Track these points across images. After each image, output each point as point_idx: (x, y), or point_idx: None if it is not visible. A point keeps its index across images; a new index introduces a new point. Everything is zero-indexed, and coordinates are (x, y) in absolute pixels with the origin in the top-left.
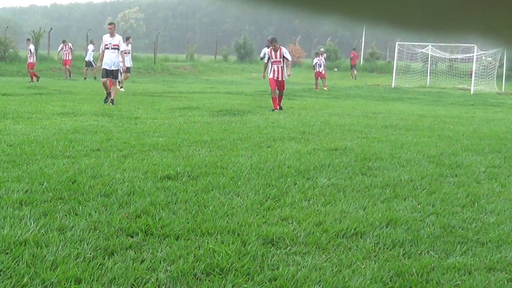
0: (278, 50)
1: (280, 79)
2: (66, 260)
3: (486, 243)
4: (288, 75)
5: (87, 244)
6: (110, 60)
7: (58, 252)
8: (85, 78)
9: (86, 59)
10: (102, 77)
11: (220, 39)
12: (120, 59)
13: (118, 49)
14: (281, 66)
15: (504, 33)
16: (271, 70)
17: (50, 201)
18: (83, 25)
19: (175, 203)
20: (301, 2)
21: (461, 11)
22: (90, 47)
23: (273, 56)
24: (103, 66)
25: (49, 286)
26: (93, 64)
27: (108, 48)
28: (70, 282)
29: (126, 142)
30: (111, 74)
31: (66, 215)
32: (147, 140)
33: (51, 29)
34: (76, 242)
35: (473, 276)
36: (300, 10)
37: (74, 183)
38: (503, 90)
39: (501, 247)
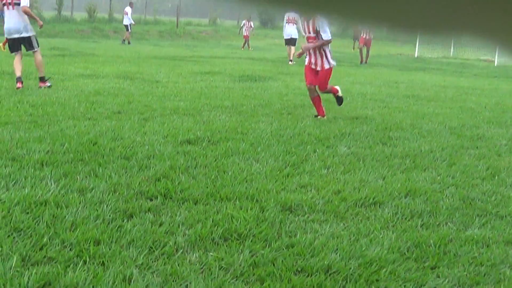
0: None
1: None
2: (86, 221)
3: (505, 216)
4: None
5: (107, 206)
6: (11, 25)
7: (77, 213)
8: (129, 43)
9: (125, 23)
10: (11, 52)
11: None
12: (27, 20)
13: (19, 4)
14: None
15: (499, 34)
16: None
17: (71, 162)
18: None
19: (195, 168)
20: (297, 2)
21: (456, 11)
22: (128, 9)
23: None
24: (5, 36)
25: (68, 247)
26: (130, 28)
27: (5, 5)
28: (89, 243)
29: (147, 105)
30: (19, 44)
31: (86, 177)
32: (168, 104)
33: None
34: (96, 203)
35: (491, 249)
36: (295, 8)
37: (94, 145)
38: None
39: None
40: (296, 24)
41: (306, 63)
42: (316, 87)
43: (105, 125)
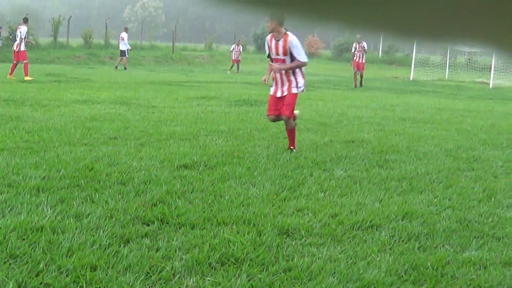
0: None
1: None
2: (82, 247)
3: (502, 237)
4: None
5: (103, 232)
6: None
7: (74, 239)
8: (125, 68)
9: (121, 48)
10: None
11: (239, 28)
12: None
13: None
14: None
15: (496, 40)
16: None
17: (67, 188)
18: (103, 14)
19: (191, 192)
20: (300, 9)
21: (459, 17)
22: (124, 35)
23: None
24: None
25: (65, 273)
26: (127, 54)
27: None
28: (86, 269)
29: (144, 130)
30: None
31: (82, 202)
32: (164, 129)
33: (71, 16)
34: (92, 229)
35: (489, 271)
36: (299, 17)
37: (91, 170)
38: None
39: None
40: None
41: (271, 92)
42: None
43: (101, 151)
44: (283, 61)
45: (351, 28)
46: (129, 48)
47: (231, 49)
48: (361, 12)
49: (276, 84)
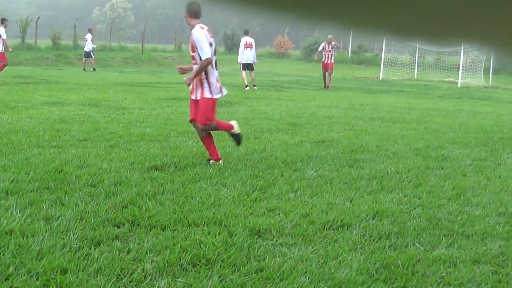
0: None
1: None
2: (52, 250)
3: (472, 235)
4: None
5: (73, 234)
6: None
7: (44, 242)
8: (84, 69)
9: (86, 49)
10: None
11: (208, 29)
12: None
13: None
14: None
15: (495, 40)
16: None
17: (36, 191)
18: (71, 15)
19: (162, 194)
20: (296, 10)
21: (457, 18)
22: (89, 36)
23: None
24: None
25: (35, 276)
26: (93, 55)
27: None
28: (56, 272)
29: (113, 132)
30: None
31: (52, 205)
32: (134, 130)
33: (39, 18)
34: (62, 232)
35: (459, 269)
36: (296, 17)
37: (60, 173)
38: (490, 84)
39: (486, 239)
40: (252, 48)
41: (190, 94)
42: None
43: (70, 153)
44: (193, 57)
45: (350, 29)
46: (94, 47)
47: None
48: (360, 13)
49: (193, 85)
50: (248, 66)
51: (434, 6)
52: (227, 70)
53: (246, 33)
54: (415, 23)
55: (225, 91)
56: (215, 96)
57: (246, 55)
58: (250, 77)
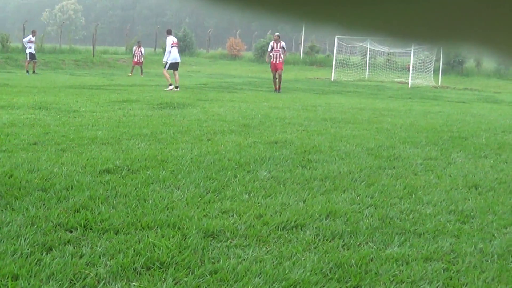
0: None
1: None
2: (3, 256)
3: (423, 233)
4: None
5: (24, 240)
6: None
7: None
8: (34, 72)
9: (32, 52)
10: None
11: (160, 31)
12: None
13: None
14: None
15: (497, 44)
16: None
17: None
18: (20, 17)
19: (115, 197)
20: (292, 12)
21: (456, 20)
22: (31, 38)
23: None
24: None
25: None
26: (28, 57)
27: None
28: (7, 278)
29: (64, 135)
30: None
31: (2, 210)
32: (85, 133)
33: None
34: (13, 237)
35: (411, 266)
36: (296, 18)
37: (10, 177)
38: (439, 84)
39: (437, 237)
40: (178, 48)
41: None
42: None
43: (20, 157)
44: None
45: (348, 30)
46: (33, 52)
47: (133, 52)
48: (359, 13)
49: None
50: (174, 66)
51: (432, 7)
52: (179, 71)
53: (169, 32)
54: (414, 25)
55: None
56: None
57: (174, 54)
58: (174, 78)
